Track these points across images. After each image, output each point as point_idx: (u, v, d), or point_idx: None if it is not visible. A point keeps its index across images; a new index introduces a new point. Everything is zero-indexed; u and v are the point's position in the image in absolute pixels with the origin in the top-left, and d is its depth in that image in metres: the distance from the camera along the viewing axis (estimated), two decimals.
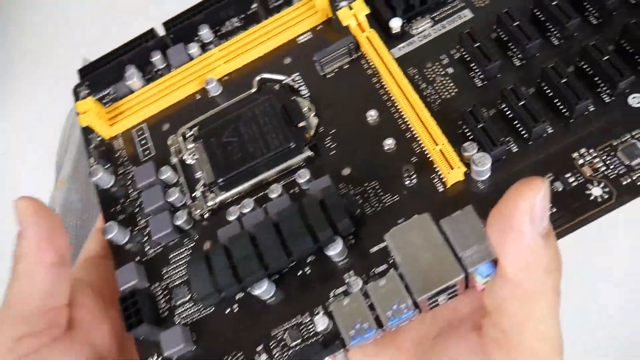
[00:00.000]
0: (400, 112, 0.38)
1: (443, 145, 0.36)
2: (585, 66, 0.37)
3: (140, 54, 0.45)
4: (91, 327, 0.36)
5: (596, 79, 0.36)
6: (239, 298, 0.36)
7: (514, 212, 0.27)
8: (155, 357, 0.36)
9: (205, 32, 0.45)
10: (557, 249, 0.28)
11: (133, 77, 0.44)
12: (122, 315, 0.36)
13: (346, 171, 0.38)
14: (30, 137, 0.70)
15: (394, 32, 0.41)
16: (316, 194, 0.35)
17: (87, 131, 0.45)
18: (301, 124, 0.40)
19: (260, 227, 0.34)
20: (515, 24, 0.38)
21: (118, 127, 0.44)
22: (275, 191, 0.38)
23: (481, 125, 0.36)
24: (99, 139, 0.44)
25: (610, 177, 0.34)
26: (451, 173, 0.35)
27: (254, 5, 0.46)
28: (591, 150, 0.35)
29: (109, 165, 0.43)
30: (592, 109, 0.36)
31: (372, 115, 0.39)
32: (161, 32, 0.46)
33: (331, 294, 0.35)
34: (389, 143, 0.38)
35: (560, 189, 0.34)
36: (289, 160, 0.39)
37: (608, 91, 0.36)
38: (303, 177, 0.38)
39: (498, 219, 0.27)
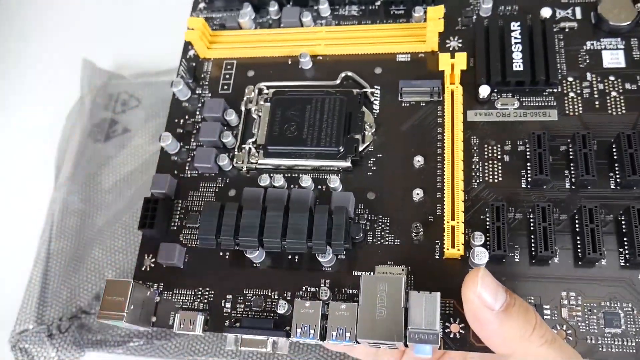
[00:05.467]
0: (443, 171, 0.41)
1: (457, 224, 0.38)
2: (622, 222, 0.38)
3: None
4: None
5: (625, 239, 0.38)
6: (234, 249, 0.42)
7: (464, 300, 0.32)
8: (150, 257, 0.43)
9: (325, 7, 0.48)
10: (523, 318, 0.32)
11: (246, 16, 0.48)
12: (141, 213, 0.42)
13: (371, 196, 0.42)
14: (29, 137, 0.71)
15: (480, 97, 0.43)
16: (331, 207, 0.39)
17: (187, 44, 0.49)
18: (356, 136, 0.43)
19: (274, 208, 0.39)
20: (584, 150, 0.39)
21: (214, 52, 0.48)
22: (305, 181, 0.42)
23: (499, 224, 0.38)
24: (193, 53, 0.49)
25: (580, 330, 0.36)
26: (450, 251, 0.38)
27: (378, 2, 0.48)
28: (579, 298, 0.37)
29: (191, 81, 0.48)
30: (604, 263, 0.38)
31: (419, 160, 0.42)
32: None
33: (304, 288, 0.40)
34: (418, 193, 0.41)
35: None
36: (331, 161, 0.42)
37: (628, 256, 0.37)
38: (333, 182, 0.41)
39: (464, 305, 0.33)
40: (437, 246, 0.39)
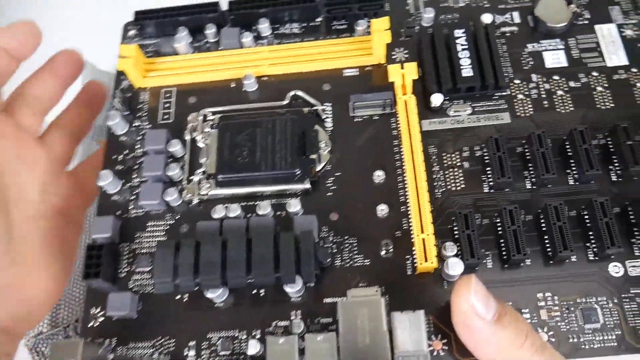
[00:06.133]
0: (405, 184, 0.40)
1: (427, 236, 0.37)
2: (586, 217, 0.38)
3: (196, 21, 0.46)
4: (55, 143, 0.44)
5: (590, 233, 0.38)
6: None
7: (455, 310, 0.31)
8: (99, 310, 0.38)
9: (265, 27, 0.46)
10: (515, 327, 0.31)
11: (182, 40, 0.45)
12: (84, 262, 0.38)
13: (334, 217, 0.40)
14: None
15: (432, 105, 0.42)
16: (296, 232, 0.37)
17: (120, 74, 0.46)
18: (312, 156, 0.41)
19: (235, 240, 0.36)
20: (541, 150, 0.39)
21: (150, 81, 0.45)
22: (263, 208, 0.39)
23: (469, 232, 0.37)
24: (128, 83, 0.46)
25: (561, 330, 0.36)
26: (424, 265, 0.36)
27: (319, 19, 0.47)
28: (555, 298, 0.37)
29: (128, 113, 0.44)
30: (574, 259, 0.37)
31: (379, 175, 0.40)
32: (225, 8, 0.46)
33: (274, 324, 0.37)
34: (382, 209, 0.39)
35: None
36: (288, 185, 0.40)
37: (596, 250, 0.37)
38: (293, 207, 0.39)
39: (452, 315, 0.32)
40: (408, 262, 0.38)
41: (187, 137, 0.43)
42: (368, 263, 0.38)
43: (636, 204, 0.38)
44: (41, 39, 0.42)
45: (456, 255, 0.37)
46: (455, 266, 0.36)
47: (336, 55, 0.44)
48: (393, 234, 0.39)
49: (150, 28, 0.47)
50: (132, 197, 0.42)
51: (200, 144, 0.42)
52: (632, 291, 0.36)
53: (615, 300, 0.36)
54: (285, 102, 0.43)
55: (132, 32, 0.48)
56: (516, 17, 0.46)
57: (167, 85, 0.45)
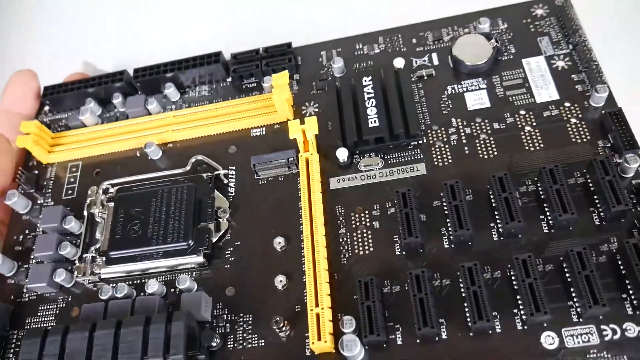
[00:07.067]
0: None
1: (322, 310, 0.32)
2: (512, 276, 0.32)
3: (104, 91, 0.45)
4: None
5: (518, 297, 0.32)
6: None
7: None
8: None
9: (172, 91, 0.44)
10: None
11: (87, 112, 0.44)
12: None
13: (230, 291, 0.36)
14: None
15: (340, 161, 0.38)
16: (170, 313, 0.33)
17: (27, 152, 0.44)
18: (209, 225, 0.37)
19: (104, 325, 0.33)
20: (454, 203, 0.34)
21: (56, 156, 0.43)
22: (151, 286, 0.36)
23: (369, 303, 0.32)
24: (35, 160, 0.44)
25: None
26: (316, 344, 0.31)
27: (229, 79, 0.44)
28: None
29: (33, 190, 0.43)
30: (498, 329, 0.32)
31: (279, 242, 0.36)
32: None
33: None
34: (281, 280, 0.35)
35: None
36: (181, 259, 0.37)
37: (524, 317, 0.31)
38: (183, 282, 0.35)
39: None
40: (307, 340, 0.33)
41: (85, 213, 0.40)
42: (263, 344, 0.34)
43: (568, 259, 0.32)
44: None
45: (354, 332, 0.32)
46: (350, 344, 0.31)
47: (242, 116, 0.42)
48: (292, 308, 0.34)
49: (65, 102, 0.46)
50: (26, 280, 0.39)
51: (98, 219, 0.40)
52: None
53: None
54: (188, 168, 0.41)
55: (46, 108, 0.47)
56: (435, 59, 0.42)
57: (74, 159, 0.44)
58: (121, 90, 0.44)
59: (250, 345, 0.34)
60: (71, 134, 0.44)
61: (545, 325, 0.31)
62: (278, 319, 0.33)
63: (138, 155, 0.43)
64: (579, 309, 0.31)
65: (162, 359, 0.31)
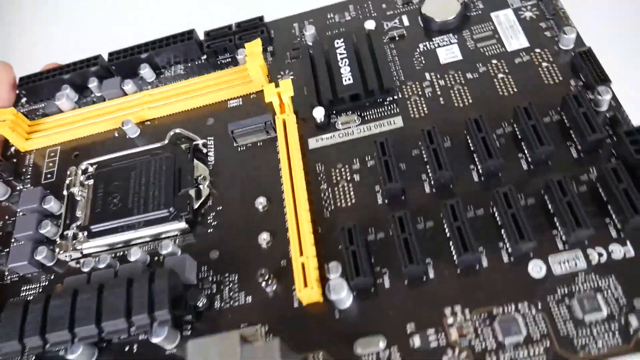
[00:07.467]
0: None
1: (307, 259, 0.32)
2: (495, 214, 0.32)
3: (79, 77, 0.45)
4: None
5: (502, 232, 0.32)
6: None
7: None
8: None
9: (147, 72, 0.44)
10: None
11: (62, 98, 0.44)
12: None
13: (214, 254, 0.35)
14: None
15: (317, 121, 0.38)
16: (153, 272, 0.32)
17: (6, 141, 0.44)
18: (190, 191, 0.37)
19: (85, 290, 0.32)
20: (434, 145, 0.34)
21: (34, 143, 0.43)
22: (134, 254, 0.35)
23: (353, 248, 0.32)
24: (13, 149, 0.44)
25: (476, 349, 0.29)
26: (303, 292, 0.31)
27: (204, 57, 0.45)
28: (466, 311, 0.30)
29: (11, 178, 0.42)
30: (485, 264, 0.31)
31: (261, 202, 0.36)
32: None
33: None
34: (265, 238, 0.35)
35: (416, 346, 0.30)
36: (163, 226, 0.36)
37: (510, 250, 0.31)
38: (165, 248, 0.35)
39: None
40: (294, 293, 0.33)
41: (65, 193, 0.40)
42: (250, 301, 0.33)
43: (548, 189, 0.32)
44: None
45: (342, 276, 0.31)
46: (337, 287, 0.30)
47: (218, 88, 0.42)
48: (278, 264, 0.34)
49: (41, 91, 0.46)
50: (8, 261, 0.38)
51: (78, 198, 0.39)
52: (559, 292, 0.30)
53: (540, 306, 0.29)
54: (166, 141, 0.41)
55: (23, 100, 0.47)
56: (405, 20, 0.42)
57: (52, 145, 0.43)
58: (96, 74, 0.45)
59: (237, 304, 0.33)
60: (48, 120, 0.44)
61: (531, 255, 0.31)
62: (263, 271, 0.33)
63: (116, 135, 0.43)
64: (563, 237, 0.31)
65: (147, 317, 0.30)
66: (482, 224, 0.32)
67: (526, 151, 0.34)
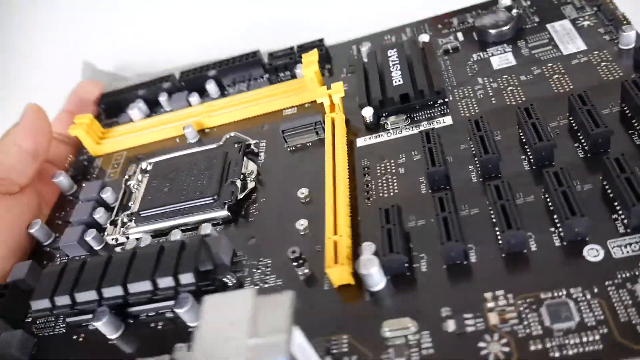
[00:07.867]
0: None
1: (340, 237, 0.31)
2: (548, 199, 0.30)
3: (152, 93, 0.48)
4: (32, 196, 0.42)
5: (555, 217, 0.29)
6: (88, 329, 0.34)
7: None
8: None
9: (211, 87, 0.47)
10: None
11: (135, 109, 0.47)
12: None
13: (252, 242, 0.35)
14: None
15: (367, 121, 0.38)
16: (184, 241, 0.32)
17: (81, 144, 0.47)
18: (236, 182, 0.38)
19: (119, 257, 0.32)
20: (481, 133, 0.33)
21: (104, 147, 0.46)
22: (174, 235, 0.36)
23: (389, 227, 0.30)
24: (87, 153, 0.47)
25: (519, 335, 0.26)
26: (332, 269, 0.29)
27: (266, 75, 0.47)
28: (510, 295, 0.27)
29: (80, 177, 0.45)
30: (534, 248, 0.28)
31: (303, 192, 0.36)
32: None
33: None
34: (302, 223, 0.34)
35: (450, 330, 0.27)
36: (207, 213, 0.37)
37: (562, 234, 0.28)
38: (204, 230, 0.35)
39: None
40: (326, 276, 0.31)
41: (123, 185, 0.42)
42: (280, 283, 0.32)
43: (606, 170, 0.29)
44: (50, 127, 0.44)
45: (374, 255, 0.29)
46: (368, 263, 0.29)
47: (274, 98, 0.43)
48: (312, 249, 0.33)
49: (118, 105, 0.50)
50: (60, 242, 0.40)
51: (134, 191, 0.41)
52: (619, 276, 0.26)
53: (596, 291, 0.26)
54: (221, 143, 0.42)
55: (103, 114, 0.51)
56: (460, 36, 0.43)
57: (119, 150, 0.46)
58: (167, 90, 0.48)
59: (266, 285, 0.32)
60: (119, 127, 0.47)
61: (587, 239, 0.28)
62: (295, 249, 0.32)
63: (177, 140, 0.45)
64: (625, 220, 0.27)
65: (172, 280, 0.30)
66: (531, 210, 0.30)
67: (582, 138, 0.32)
